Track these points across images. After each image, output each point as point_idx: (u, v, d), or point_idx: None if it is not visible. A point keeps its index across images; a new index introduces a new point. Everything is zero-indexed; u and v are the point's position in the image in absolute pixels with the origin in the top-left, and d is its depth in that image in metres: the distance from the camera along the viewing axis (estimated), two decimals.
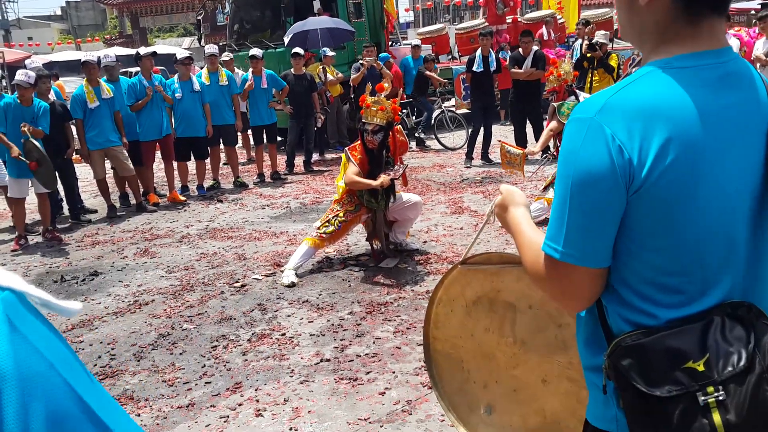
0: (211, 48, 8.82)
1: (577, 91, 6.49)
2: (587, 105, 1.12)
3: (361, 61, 10.65)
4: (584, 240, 1.11)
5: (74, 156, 7.59)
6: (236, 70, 9.86)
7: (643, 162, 1.05)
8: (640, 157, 1.05)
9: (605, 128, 1.06)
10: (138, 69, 8.57)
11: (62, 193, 7.60)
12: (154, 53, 8.39)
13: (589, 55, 8.76)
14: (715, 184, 1.07)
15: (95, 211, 7.95)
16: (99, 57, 7.90)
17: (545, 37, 13.34)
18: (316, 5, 11.63)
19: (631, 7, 1.16)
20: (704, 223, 1.08)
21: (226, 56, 10.37)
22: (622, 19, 1.22)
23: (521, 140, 9.03)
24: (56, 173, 6.65)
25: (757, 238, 1.14)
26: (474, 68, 9.13)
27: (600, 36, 9.14)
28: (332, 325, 4.24)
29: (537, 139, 8.86)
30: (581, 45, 9.96)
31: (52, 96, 7.37)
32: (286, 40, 10.29)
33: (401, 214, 5.46)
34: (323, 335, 4.10)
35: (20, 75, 6.47)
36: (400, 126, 5.50)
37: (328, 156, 10.79)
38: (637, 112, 1.06)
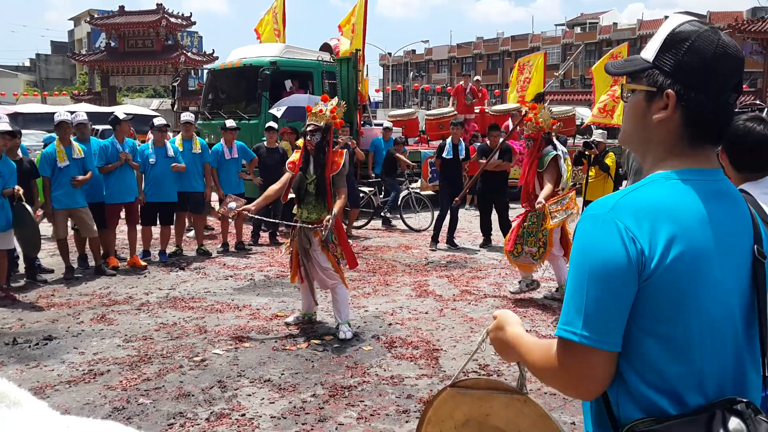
0: (186, 116, 8.92)
1: (554, 140, 6.72)
2: (599, 205, 1.25)
3: (337, 140, 10.87)
4: (602, 323, 1.19)
5: (37, 212, 7.45)
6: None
7: (652, 253, 1.17)
8: (650, 248, 1.17)
9: (618, 222, 1.20)
10: (107, 127, 8.57)
11: (19, 249, 7.39)
12: (132, 117, 8.43)
13: (586, 153, 9.03)
14: (714, 281, 1.20)
15: (52, 271, 7.73)
16: (70, 114, 7.88)
17: (510, 128, 13.84)
18: (288, 84, 11.95)
19: (642, 121, 1.31)
20: (706, 314, 1.20)
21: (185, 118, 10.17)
22: (629, 129, 1.36)
23: (486, 226, 9.44)
24: (39, 244, 6.60)
25: (748, 335, 1.26)
26: (444, 155, 9.43)
27: (597, 135, 9.48)
28: (294, 407, 4.15)
29: (501, 225, 9.12)
30: None
31: (19, 153, 7.29)
32: (277, 112, 10.46)
33: (318, 275, 5.55)
34: (285, 418, 4.01)
35: (3, 125, 6.45)
36: (345, 150, 5.72)
37: None
38: (645, 210, 1.20)
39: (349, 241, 5.61)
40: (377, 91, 48.69)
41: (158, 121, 8.45)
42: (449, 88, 20.12)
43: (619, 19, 55.52)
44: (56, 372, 4.70)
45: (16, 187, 6.37)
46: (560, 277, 6.68)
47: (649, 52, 1.30)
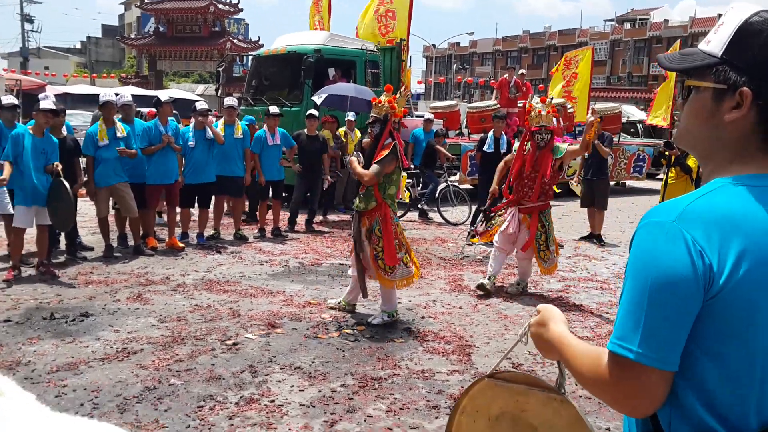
0: (230, 100, 8.96)
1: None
2: (663, 210, 1.15)
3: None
4: (661, 342, 1.11)
5: (80, 191, 7.59)
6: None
7: (721, 269, 1.08)
8: (719, 264, 1.08)
9: (685, 234, 1.10)
10: (149, 110, 8.69)
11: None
12: (174, 100, 8.51)
13: (666, 153, 8.76)
14: None
15: (92, 249, 7.88)
16: (115, 95, 8.00)
17: (554, 125, 13.61)
18: (331, 72, 11.95)
19: (710, 120, 1.19)
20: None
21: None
22: (691, 129, 1.24)
23: None
24: (73, 220, 6.73)
25: None
26: (485, 148, 9.29)
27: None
28: (323, 396, 4.12)
29: None
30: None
31: (64, 131, 7.42)
32: (318, 99, 10.48)
33: (369, 265, 5.59)
34: (313, 406, 3.98)
35: (45, 103, 6.56)
36: (393, 143, 5.49)
37: (331, 218, 10.81)
38: (715, 221, 1.10)
39: (395, 238, 5.50)
40: (419, 82, 48.47)
41: (200, 105, 8.50)
42: (492, 81, 19.88)
43: (671, 16, 54.15)
44: (91, 348, 4.76)
45: (56, 163, 6.48)
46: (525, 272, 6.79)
47: (714, 45, 1.18)
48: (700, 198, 1.14)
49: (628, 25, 54.94)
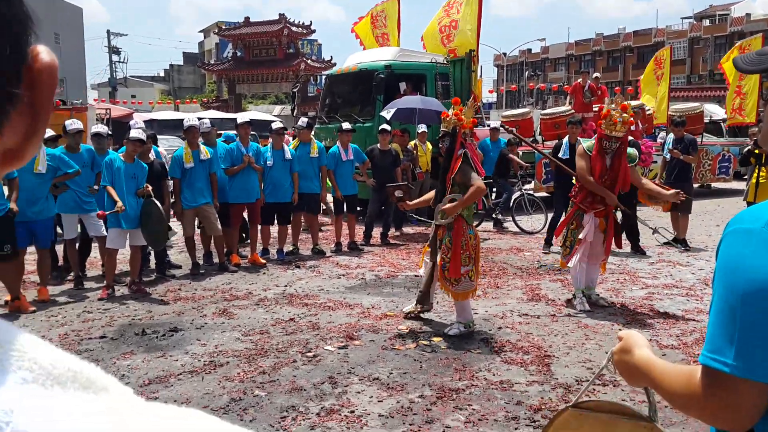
0: (302, 121, 9.24)
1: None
2: (750, 216, 1.11)
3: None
4: (757, 353, 1.07)
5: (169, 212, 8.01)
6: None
7: None
8: None
9: None
10: (231, 132, 9.06)
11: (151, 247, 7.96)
12: (250, 122, 8.85)
13: (756, 151, 8.44)
14: None
15: (179, 267, 8.27)
16: (198, 120, 8.41)
17: (632, 128, 13.21)
18: (402, 86, 12.08)
19: None
20: None
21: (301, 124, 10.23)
22: None
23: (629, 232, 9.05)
24: (167, 238, 7.14)
25: None
26: (560, 155, 9.13)
27: None
28: (402, 407, 4.17)
29: (629, 233, 8.76)
30: (672, 140, 9.79)
31: (152, 155, 7.86)
32: (386, 114, 10.64)
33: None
34: (392, 417, 4.03)
35: (135, 132, 7.00)
36: (465, 153, 5.57)
37: (406, 230, 10.89)
38: None
39: (462, 251, 5.54)
40: (490, 91, 48.12)
41: (276, 125, 8.80)
42: (566, 86, 19.51)
43: (753, 9, 51.47)
44: (180, 362, 5.00)
45: (147, 185, 6.90)
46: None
47: None
48: None
49: (707, 22, 52.68)
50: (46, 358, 0.42)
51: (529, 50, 65.53)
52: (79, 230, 7.54)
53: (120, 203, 6.62)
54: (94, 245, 7.87)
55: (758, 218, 1.09)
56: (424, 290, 5.85)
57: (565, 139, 9.26)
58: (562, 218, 6.83)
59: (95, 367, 0.44)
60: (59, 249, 7.82)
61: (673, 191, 6.23)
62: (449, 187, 5.57)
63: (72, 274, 7.54)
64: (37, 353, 0.42)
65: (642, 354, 1.34)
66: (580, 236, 6.29)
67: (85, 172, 7.21)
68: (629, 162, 6.27)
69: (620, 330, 1.49)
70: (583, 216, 6.35)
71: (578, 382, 4.53)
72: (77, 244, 7.54)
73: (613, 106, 6.32)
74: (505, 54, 56.12)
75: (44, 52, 0.45)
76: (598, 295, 6.59)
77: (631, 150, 6.38)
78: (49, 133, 7.77)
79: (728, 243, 1.12)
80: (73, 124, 7.45)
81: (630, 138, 8.38)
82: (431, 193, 5.99)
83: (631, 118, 6.20)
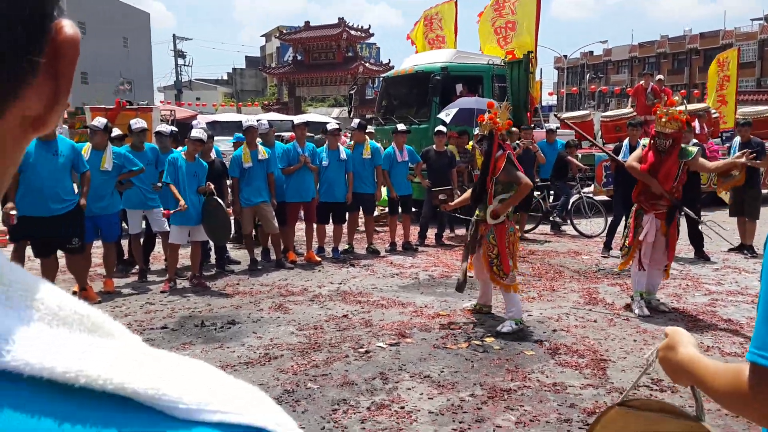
0: (355, 123, 9.37)
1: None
2: None
3: (517, 142, 10.66)
4: None
5: (228, 210, 8.22)
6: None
7: None
8: None
9: None
10: (288, 134, 9.23)
11: (211, 242, 8.19)
12: (307, 123, 9.01)
13: None
14: None
15: (239, 263, 8.48)
16: (257, 121, 8.60)
17: (698, 131, 12.80)
18: (458, 88, 12.04)
19: None
20: None
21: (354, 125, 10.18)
22: None
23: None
24: (230, 233, 7.42)
25: None
26: (620, 157, 8.92)
27: None
28: (452, 405, 4.17)
29: (692, 236, 8.53)
30: (738, 143, 9.44)
31: (213, 155, 8.08)
32: (446, 117, 10.62)
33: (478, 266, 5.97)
34: (442, 414, 4.04)
35: (195, 132, 7.22)
36: (506, 153, 5.75)
37: (459, 232, 10.84)
38: None
39: (507, 247, 5.68)
40: (550, 94, 47.31)
41: (331, 126, 8.93)
42: (629, 89, 19.05)
43: None
44: (236, 354, 5.13)
45: (208, 183, 7.10)
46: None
47: None
48: None
49: None
50: (54, 299, 0.43)
51: (591, 52, 64.21)
52: (143, 226, 7.84)
53: (182, 201, 6.84)
54: (158, 240, 8.16)
55: None
56: (464, 275, 5.97)
57: (626, 141, 9.06)
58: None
59: (103, 313, 0.45)
60: (124, 243, 8.14)
61: (739, 153, 6.19)
62: (490, 188, 5.70)
63: (136, 267, 7.85)
64: (45, 294, 0.43)
65: (687, 351, 1.31)
66: (640, 237, 6.14)
67: (149, 170, 7.49)
68: (686, 157, 6.05)
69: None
70: (643, 216, 6.20)
71: (636, 389, 4.42)
72: (141, 239, 7.84)
73: (662, 103, 6.21)
74: (565, 56, 55.15)
75: (68, 26, 0.46)
76: (658, 300, 6.42)
77: (690, 147, 6.19)
78: (116, 132, 8.11)
79: None
80: (137, 123, 7.74)
81: (694, 140, 8.13)
82: (468, 193, 6.18)
83: (680, 114, 5.95)
